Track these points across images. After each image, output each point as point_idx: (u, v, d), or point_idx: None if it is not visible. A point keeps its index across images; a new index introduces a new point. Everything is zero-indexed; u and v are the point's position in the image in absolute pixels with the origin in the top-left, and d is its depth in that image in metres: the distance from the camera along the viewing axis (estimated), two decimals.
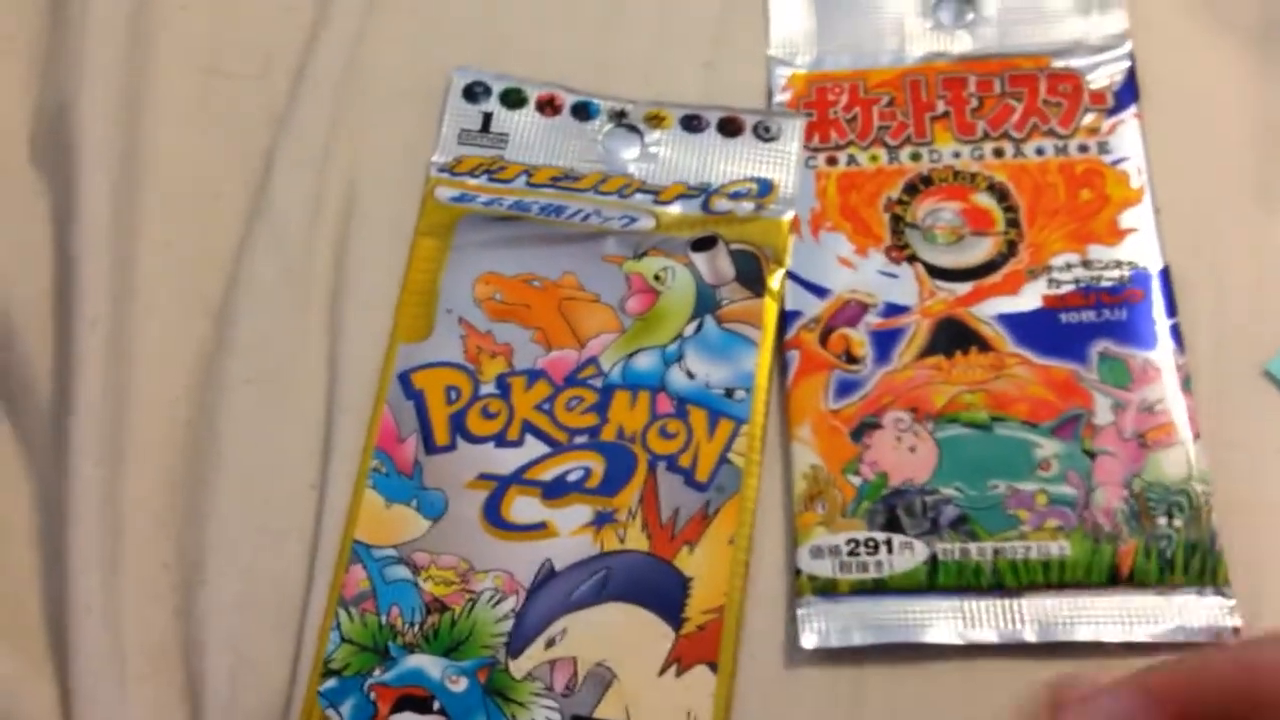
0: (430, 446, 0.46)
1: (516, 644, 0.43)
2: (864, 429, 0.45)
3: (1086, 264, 0.47)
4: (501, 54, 0.52)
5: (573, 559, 0.44)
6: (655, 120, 0.51)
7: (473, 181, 0.50)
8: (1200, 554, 0.42)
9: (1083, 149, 0.48)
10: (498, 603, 0.44)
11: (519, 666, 0.43)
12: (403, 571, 0.44)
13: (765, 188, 0.49)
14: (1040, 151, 0.48)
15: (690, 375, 0.47)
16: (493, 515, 0.45)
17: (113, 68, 0.51)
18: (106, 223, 0.49)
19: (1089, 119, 0.49)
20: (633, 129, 0.51)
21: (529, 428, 0.46)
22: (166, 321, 0.48)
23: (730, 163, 0.50)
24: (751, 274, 0.48)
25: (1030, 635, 0.42)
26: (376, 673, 0.43)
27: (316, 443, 0.47)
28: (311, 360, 0.48)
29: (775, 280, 0.48)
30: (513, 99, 0.51)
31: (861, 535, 0.44)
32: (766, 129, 0.50)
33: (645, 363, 0.47)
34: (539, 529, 0.45)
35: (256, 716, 0.43)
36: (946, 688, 0.42)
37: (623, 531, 0.44)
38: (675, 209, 0.49)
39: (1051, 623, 0.42)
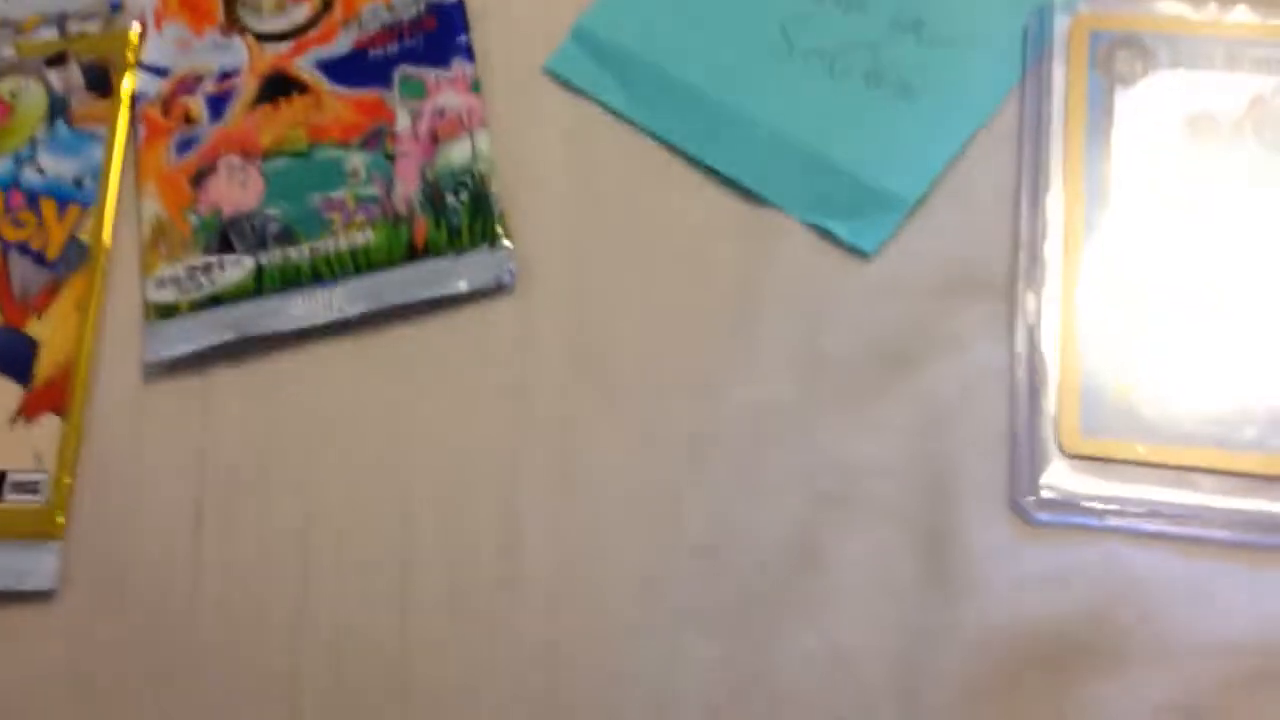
0: None
1: None
2: (200, 176, 0.49)
3: (389, 7, 0.52)
4: None
5: None
6: None
7: None
8: (483, 220, 0.48)
9: None
10: None
11: None
12: None
13: (115, 7, 0.53)
14: None
15: (41, 172, 0.50)
16: None
17: None
18: None
19: None
20: None
21: None
22: None
23: None
24: (100, 81, 0.52)
25: (346, 311, 0.47)
26: None
27: None
28: None
29: (123, 83, 0.52)
30: None
31: (198, 261, 0.48)
32: None
33: (0, 166, 0.51)
34: None
35: None
36: (284, 374, 0.47)
37: None
38: (34, 36, 0.53)
39: (362, 298, 0.47)
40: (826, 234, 0.47)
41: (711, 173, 0.48)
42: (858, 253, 0.47)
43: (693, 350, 0.46)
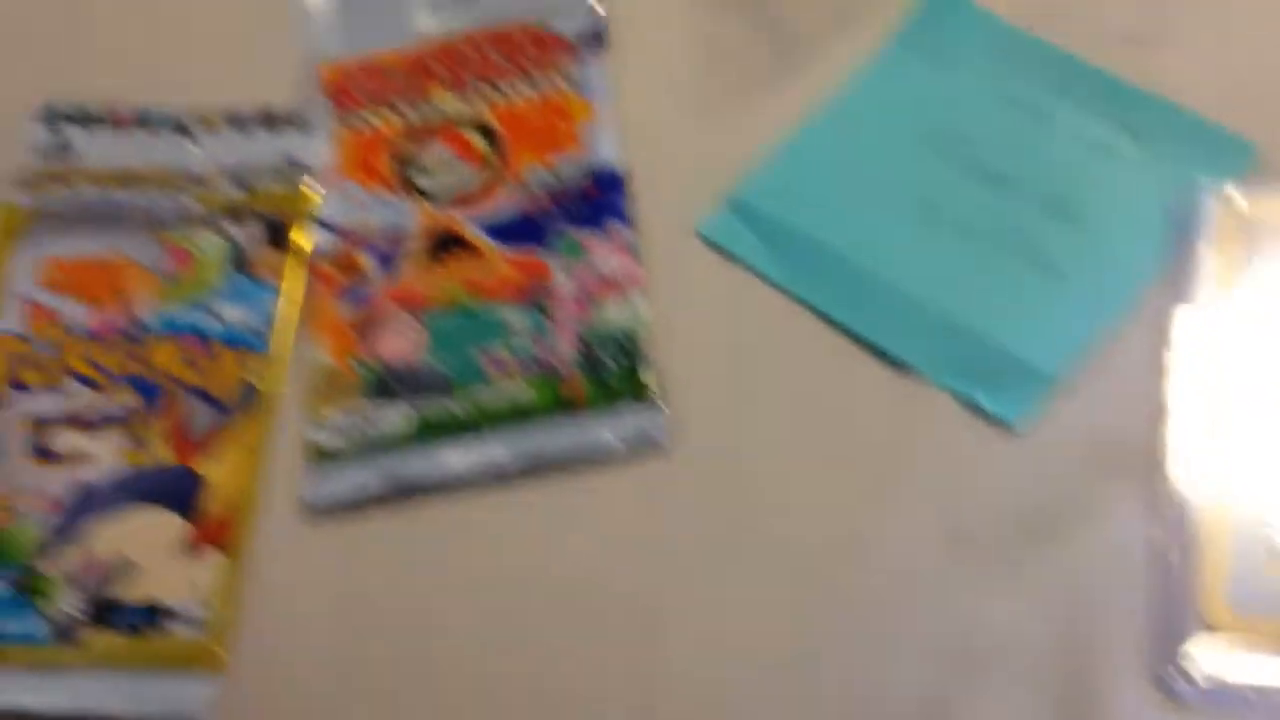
0: None
1: (51, 550, 0.48)
2: (367, 327, 0.52)
3: (553, 172, 0.54)
4: (77, 78, 0.59)
5: (106, 476, 0.50)
6: (207, 123, 0.58)
7: (45, 187, 0.57)
8: (636, 379, 0.49)
9: (554, 86, 0.57)
10: (37, 520, 0.49)
11: (52, 567, 0.48)
12: None
13: (295, 164, 0.57)
14: (520, 93, 0.57)
15: (219, 320, 0.53)
16: (38, 449, 0.51)
17: None
18: None
19: (560, 63, 0.57)
20: (187, 132, 0.58)
21: (74, 375, 0.52)
22: None
23: (268, 148, 0.57)
24: (278, 235, 0.55)
25: (501, 463, 0.48)
26: None
27: None
28: None
29: (300, 239, 0.55)
30: (84, 120, 0.59)
31: (361, 408, 0.50)
32: (299, 118, 0.58)
33: (180, 313, 0.54)
34: (77, 456, 0.50)
35: None
36: (438, 522, 0.48)
37: (152, 449, 0.50)
38: (218, 191, 0.56)
39: (518, 451, 0.49)
40: (972, 403, 0.48)
41: (860, 340, 0.49)
42: (1002, 424, 0.47)
43: (838, 513, 0.47)
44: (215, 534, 0.49)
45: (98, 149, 0.57)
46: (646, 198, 0.53)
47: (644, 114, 0.56)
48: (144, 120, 0.58)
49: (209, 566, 0.48)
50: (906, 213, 0.51)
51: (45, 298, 0.54)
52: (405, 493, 0.49)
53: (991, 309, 0.48)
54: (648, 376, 0.49)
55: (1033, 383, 0.47)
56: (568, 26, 0.58)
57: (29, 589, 0.47)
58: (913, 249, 0.50)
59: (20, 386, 0.52)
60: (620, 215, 0.53)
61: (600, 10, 0.58)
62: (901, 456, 0.47)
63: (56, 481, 0.50)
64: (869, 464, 0.47)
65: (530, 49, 0.58)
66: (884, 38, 0.56)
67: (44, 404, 0.51)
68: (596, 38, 0.58)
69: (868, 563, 0.46)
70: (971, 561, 0.45)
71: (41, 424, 0.51)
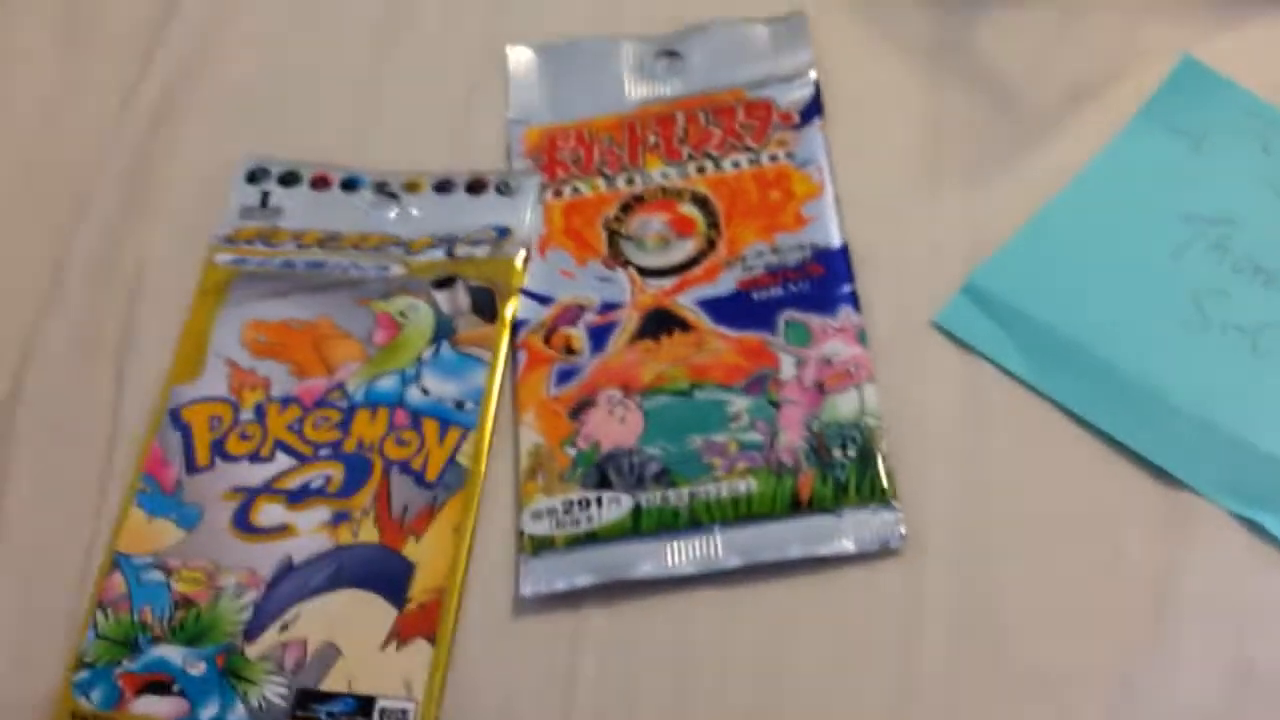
0: (191, 467, 0.50)
1: (253, 630, 0.47)
2: (581, 408, 0.49)
3: (775, 250, 0.52)
4: (283, 141, 0.59)
5: (310, 553, 0.48)
6: (412, 187, 0.57)
7: (248, 247, 0.56)
8: (870, 477, 0.46)
9: (773, 158, 0.54)
10: (240, 596, 0.47)
11: (254, 649, 0.46)
12: (157, 575, 0.48)
13: (503, 233, 0.55)
14: (736, 165, 0.54)
15: (425, 392, 0.51)
16: (241, 521, 0.49)
17: None
18: None
19: (778, 134, 0.55)
20: (393, 195, 0.57)
21: (280, 445, 0.50)
22: None
23: (474, 215, 0.55)
24: (485, 305, 0.53)
25: (724, 562, 0.45)
26: (124, 663, 0.46)
27: (97, 476, 0.51)
28: (98, 407, 0.53)
29: (507, 309, 0.53)
30: (289, 179, 0.58)
31: (576, 496, 0.47)
32: (506, 185, 0.56)
33: (386, 384, 0.52)
34: (281, 530, 0.49)
35: (25, 710, 0.46)
36: (656, 618, 0.46)
37: (357, 527, 0.48)
38: (423, 257, 0.55)
39: (741, 550, 0.46)
40: (1256, 526, 0.44)
41: (1118, 443, 0.46)
42: None
43: (1101, 642, 0.43)
44: (422, 622, 0.46)
45: (301, 210, 0.56)
46: (875, 281, 0.51)
47: (869, 192, 0.53)
48: (348, 183, 0.57)
49: (416, 657, 0.46)
50: (1168, 307, 0.48)
51: (249, 361, 0.53)
52: (620, 586, 0.46)
53: (1272, 420, 0.44)
54: (882, 475, 0.46)
55: None
56: (785, 96, 0.56)
57: (230, 672, 0.46)
58: (1177, 349, 0.47)
59: (225, 455, 0.51)
60: (850, 300, 0.50)
61: (819, 80, 0.56)
62: (1173, 581, 0.43)
63: (260, 557, 0.48)
64: (1135, 586, 0.43)
65: (746, 119, 0.56)
66: (1128, 114, 0.53)
67: (249, 474, 0.50)
68: (816, 109, 0.55)
69: (1137, 702, 0.42)
70: (1259, 705, 0.41)
71: (246, 495, 0.49)
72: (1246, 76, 0.52)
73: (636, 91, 0.57)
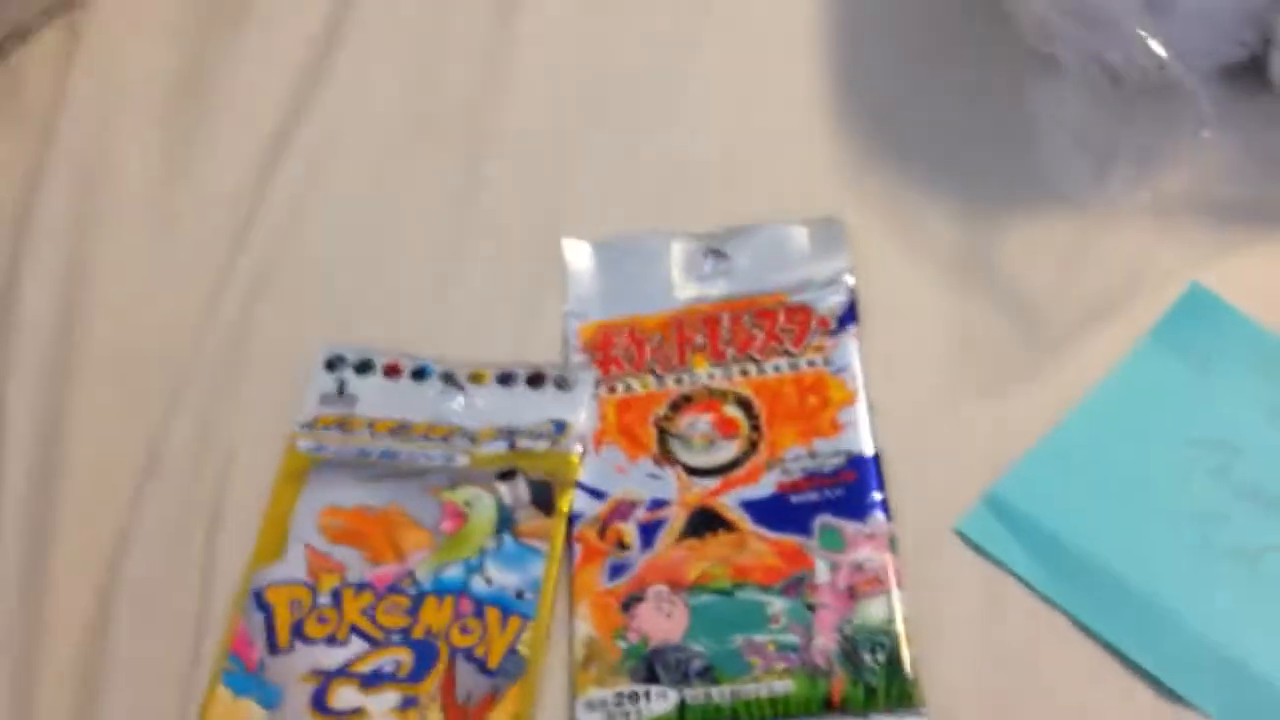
0: (274, 648, 0.55)
1: None
2: (631, 602, 0.54)
3: (812, 454, 0.56)
4: (359, 327, 0.64)
5: None
6: (476, 378, 0.62)
7: (326, 434, 0.61)
8: (898, 682, 0.50)
9: (811, 363, 0.59)
10: None
11: None
12: None
13: (560, 427, 0.60)
14: (777, 369, 0.59)
15: (488, 581, 0.56)
16: (319, 703, 0.53)
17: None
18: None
19: (816, 340, 0.59)
20: (459, 385, 0.62)
21: (354, 629, 0.55)
22: (73, 559, 0.58)
23: (534, 409, 0.60)
24: (544, 498, 0.58)
25: None
26: None
27: (188, 655, 0.56)
28: (188, 588, 0.57)
29: (564, 503, 0.57)
30: (363, 367, 0.63)
31: (626, 689, 0.52)
32: (564, 380, 0.61)
33: (453, 572, 0.56)
34: (356, 713, 0.53)
35: None
36: None
37: (424, 713, 0.53)
38: (487, 448, 0.59)
39: None
40: None
41: (1128, 659, 0.50)
42: None
43: None
44: None
45: (374, 397, 0.61)
46: (903, 487, 0.55)
47: (898, 399, 0.57)
48: (418, 372, 0.62)
49: None
50: (1178, 530, 0.51)
51: (325, 546, 0.57)
52: None
53: (1270, 646, 0.48)
54: (910, 683, 0.50)
55: None
56: (823, 302, 0.60)
57: None
58: (1183, 570, 0.50)
59: (304, 637, 0.55)
60: (881, 507, 0.54)
61: (850, 282, 0.61)
62: None
63: None
64: None
65: (786, 323, 0.60)
66: (1140, 331, 0.57)
67: (326, 657, 0.54)
68: (851, 316, 0.60)
69: None
70: None
71: (324, 678, 0.54)
72: (1252, 302, 0.57)
73: (685, 290, 0.62)
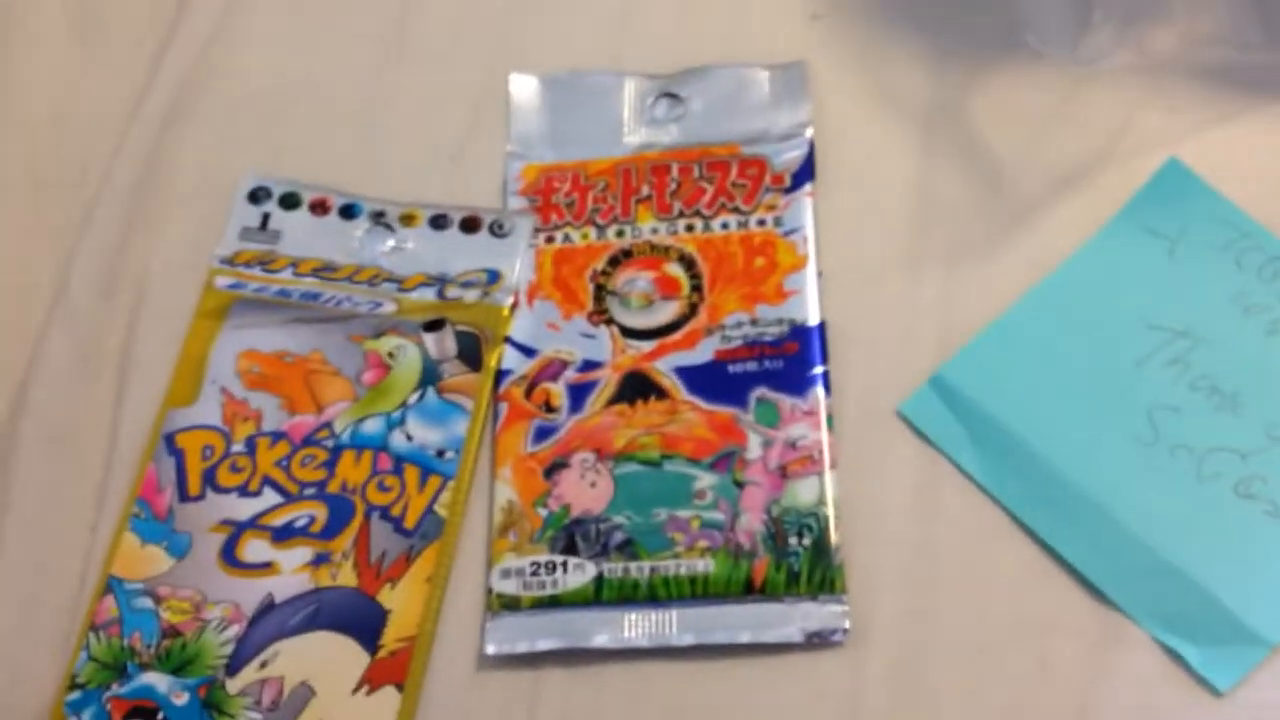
0: (184, 496, 0.53)
1: (235, 665, 0.50)
2: (555, 468, 0.52)
3: (754, 322, 0.53)
4: (285, 158, 0.60)
5: (291, 593, 0.51)
6: (408, 219, 0.58)
7: (247, 271, 0.58)
8: (822, 567, 0.48)
9: (761, 223, 0.55)
10: (223, 629, 0.50)
11: (234, 684, 0.49)
12: (147, 602, 0.51)
13: (493, 277, 0.56)
14: (725, 226, 0.55)
15: (409, 438, 0.53)
16: (228, 555, 0.52)
17: None
18: None
19: (769, 197, 0.56)
20: (388, 227, 0.58)
21: (268, 481, 0.53)
22: None
23: (467, 255, 0.57)
24: (471, 352, 0.55)
25: (677, 640, 0.48)
26: (114, 687, 0.49)
27: (94, 493, 0.54)
28: (98, 424, 0.55)
29: (493, 359, 0.55)
30: (289, 201, 0.59)
31: (543, 558, 0.50)
32: (500, 226, 0.57)
33: (372, 427, 0.54)
34: (265, 567, 0.51)
35: None
36: (610, 686, 0.48)
37: (336, 570, 0.51)
38: (415, 295, 0.56)
39: (695, 629, 0.48)
40: (1177, 655, 0.46)
41: (1059, 556, 0.48)
42: (1205, 682, 0.46)
43: None
44: (393, 670, 0.49)
45: (299, 235, 0.58)
46: (844, 364, 0.52)
47: (848, 268, 0.54)
48: (346, 210, 0.58)
49: (385, 704, 0.49)
50: (1121, 422, 0.49)
51: (242, 392, 0.55)
52: (579, 652, 0.49)
53: (1207, 551, 0.46)
54: (835, 569, 0.48)
55: (1248, 648, 0.45)
56: (780, 156, 0.57)
57: (212, 704, 0.49)
58: (1126, 468, 0.48)
59: (216, 486, 0.53)
60: (822, 381, 0.52)
61: (810, 136, 0.57)
62: (1092, 699, 0.45)
63: (244, 592, 0.51)
64: (1059, 697, 0.46)
65: (739, 176, 0.57)
66: (1113, 205, 0.53)
67: (238, 507, 0.52)
68: (808, 173, 0.56)
69: None
70: None
71: (234, 529, 0.52)
72: (1234, 179, 0.53)
73: (635, 135, 0.58)
